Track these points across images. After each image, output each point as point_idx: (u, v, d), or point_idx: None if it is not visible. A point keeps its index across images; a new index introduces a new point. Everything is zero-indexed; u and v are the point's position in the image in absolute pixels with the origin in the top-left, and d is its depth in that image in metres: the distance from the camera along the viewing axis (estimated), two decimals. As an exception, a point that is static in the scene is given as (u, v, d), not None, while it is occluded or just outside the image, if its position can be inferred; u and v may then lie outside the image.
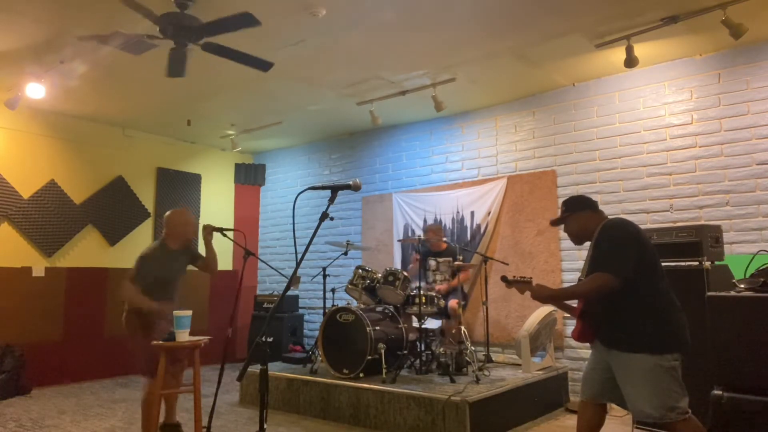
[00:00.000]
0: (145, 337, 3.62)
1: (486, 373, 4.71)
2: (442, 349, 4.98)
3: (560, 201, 5.49)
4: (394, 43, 4.68)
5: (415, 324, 5.03)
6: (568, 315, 3.36)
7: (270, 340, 2.23)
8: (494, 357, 5.46)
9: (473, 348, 4.96)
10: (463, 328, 4.93)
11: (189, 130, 7.15)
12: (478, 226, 6.10)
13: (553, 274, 5.51)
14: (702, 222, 4.72)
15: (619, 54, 4.64)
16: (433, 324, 5.52)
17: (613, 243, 2.66)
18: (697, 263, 3.86)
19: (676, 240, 3.95)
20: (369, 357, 4.55)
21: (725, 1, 3.95)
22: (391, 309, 5.13)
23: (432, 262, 5.51)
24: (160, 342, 3.63)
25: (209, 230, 3.83)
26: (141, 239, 6.98)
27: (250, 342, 7.33)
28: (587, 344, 2.91)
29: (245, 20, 3.71)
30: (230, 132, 7.31)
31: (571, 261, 5.42)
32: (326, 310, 5.13)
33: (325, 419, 4.56)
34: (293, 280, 2.42)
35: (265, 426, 2.16)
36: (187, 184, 7.71)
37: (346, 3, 3.96)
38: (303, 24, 4.26)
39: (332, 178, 7.57)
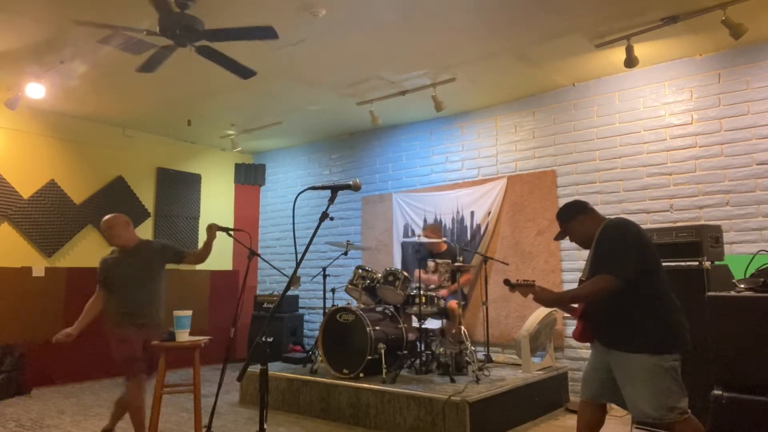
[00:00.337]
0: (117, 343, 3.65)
1: (486, 373, 4.71)
2: (442, 349, 4.98)
3: (560, 201, 5.51)
4: (394, 43, 4.68)
5: (415, 324, 5.03)
6: (568, 315, 3.36)
7: (270, 340, 2.23)
8: (494, 357, 5.46)
9: (473, 348, 4.96)
10: (463, 328, 4.93)
11: (189, 130, 7.16)
12: (478, 226, 6.10)
13: (553, 274, 5.51)
14: (702, 222, 4.72)
15: (619, 54, 4.65)
16: (433, 324, 5.53)
17: (615, 243, 2.66)
18: (697, 263, 3.85)
19: (676, 240, 3.94)
20: (369, 357, 4.55)
21: (725, 1, 3.95)
22: (391, 309, 5.13)
23: (431, 263, 5.50)
24: (161, 342, 3.64)
25: (215, 230, 3.83)
26: (141, 239, 6.97)
27: (251, 342, 7.33)
28: (587, 344, 2.91)
29: (266, 33, 3.78)
30: (230, 132, 7.31)
31: (571, 261, 5.43)
32: (326, 310, 5.12)
33: (325, 419, 4.56)
34: (293, 280, 2.42)
35: (265, 426, 2.16)
36: (187, 184, 7.71)
37: (346, 3, 3.97)
38: (303, 24, 4.26)
39: (332, 178, 7.57)
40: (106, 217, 3.86)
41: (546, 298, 2.80)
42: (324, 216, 2.31)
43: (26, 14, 4.10)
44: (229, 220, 8.23)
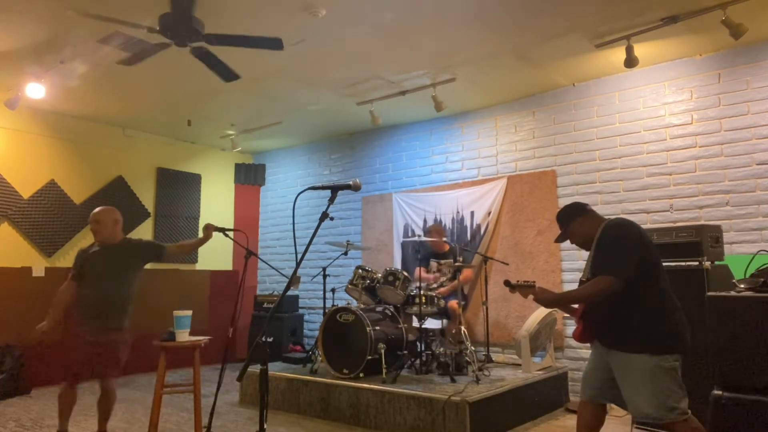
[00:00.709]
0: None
1: (486, 373, 4.71)
2: (442, 349, 4.98)
3: (560, 201, 5.51)
4: (394, 43, 4.68)
5: (415, 324, 5.03)
6: (568, 315, 3.36)
7: (270, 340, 2.23)
8: (494, 357, 5.46)
9: (473, 348, 4.96)
10: (463, 328, 4.93)
11: (189, 130, 7.16)
12: (478, 226, 6.10)
13: (554, 274, 5.51)
14: (702, 222, 4.72)
15: (619, 54, 4.64)
16: (433, 324, 5.53)
17: (615, 244, 2.66)
18: (697, 263, 3.85)
19: (676, 240, 3.94)
20: (369, 357, 4.55)
21: (725, 1, 3.95)
22: (391, 309, 5.13)
23: (433, 263, 5.50)
24: (161, 342, 3.64)
25: (211, 230, 3.83)
26: (141, 239, 6.98)
27: (250, 342, 7.34)
28: (587, 344, 2.91)
29: (272, 44, 3.85)
30: (230, 132, 7.31)
31: (571, 261, 5.43)
32: (326, 310, 5.13)
33: (325, 419, 4.56)
34: (293, 280, 2.42)
35: (265, 426, 2.16)
36: (187, 184, 7.71)
37: (346, 3, 3.97)
38: (303, 24, 4.26)
39: (332, 178, 7.57)
40: (97, 209, 3.84)
41: (546, 298, 2.80)
42: (324, 216, 2.31)
43: (26, 14, 4.10)
44: (229, 220, 8.23)
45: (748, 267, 3.36)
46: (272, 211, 8.32)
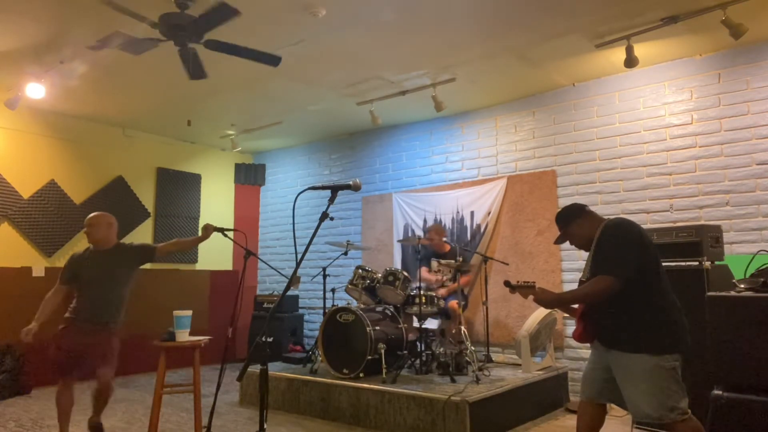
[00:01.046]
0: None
1: (486, 373, 4.71)
2: (442, 349, 4.98)
3: (560, 201, 5.51)
4: (394, 43, 4.68)
5: (415, 324, 5.03)
6: (568, 315, 3.36)
7: (270, 340, 2.23)
8: (494, 357, 5.46)
9: (473, 348, 4.96)
10: (463, 328, 4.93)
11: (189, 130, 7.15)
12: (478, 226, 6.10)
13: (553, 274, 5.51)
14: (702, 222, 4.72)
15: (619, 54, 4.64)
16: (433, 324, 5.52)
17: (615, 244, 2.65)
18: (697, 263, 3.85)
19: (676, 240, 3.94)
20: (369, 357, 4.55)
21: (725, 1, 3.95)
22: (391, 309, 5.13)
23: (434, 263, 5.50)
24: (161, 342, 3.64)
25: (210, 230, 3.83)
26: (141, 239, 6.96)
27: (250, 342, 7.34)
28: (587, 344, 2.91)
29: (272, 60, 3.86)
30: (230, 132, 7.31)
31: (571, 261, 5.43)
32: (326, 310, 5.13)
33: (325, 419, 4.56)
34: (293, 280, 2.42)
35: (265, 426, 2.16)
36: (187, 184, 7.71)
37: (346, 3, 3.97)
38: (303, 24, 4.26)
39: (332, 178, 7.57)
40: (92, 214, 3.90)
41: (546, 299, 2.80)
42: (324, 216, 2.31)
43: (26, 14, 4.10)
44: (229, 220, 8.23)
45: (748, 267, 3.36)
46: (272, 211, 8.32)
